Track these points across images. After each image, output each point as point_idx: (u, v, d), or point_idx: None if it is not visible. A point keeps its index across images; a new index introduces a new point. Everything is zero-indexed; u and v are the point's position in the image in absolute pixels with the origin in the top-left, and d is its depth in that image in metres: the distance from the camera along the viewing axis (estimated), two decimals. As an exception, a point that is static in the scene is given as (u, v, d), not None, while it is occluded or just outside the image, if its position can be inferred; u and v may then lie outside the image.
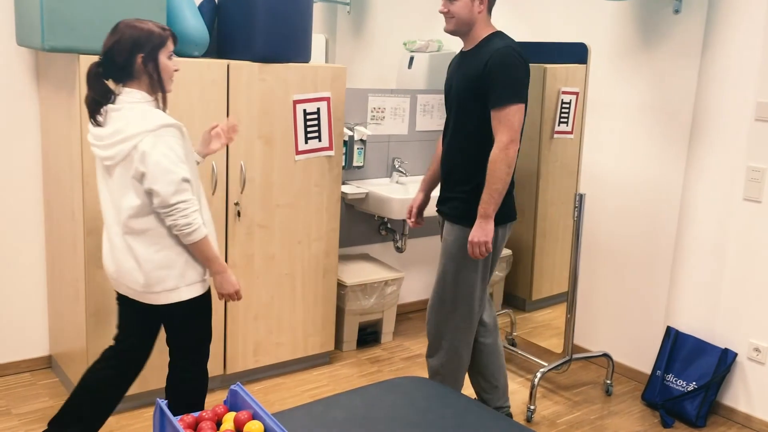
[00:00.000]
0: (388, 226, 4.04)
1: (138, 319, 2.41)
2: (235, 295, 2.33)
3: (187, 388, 2.42)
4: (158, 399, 1.76)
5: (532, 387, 3.16)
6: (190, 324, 2.36)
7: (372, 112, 3.90)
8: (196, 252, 2.22)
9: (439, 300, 2.78)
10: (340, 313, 3.67)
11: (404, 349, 3.81)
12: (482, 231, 2.57)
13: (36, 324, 3.23)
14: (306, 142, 3.19)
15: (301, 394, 3.23)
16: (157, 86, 2.18)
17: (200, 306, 2.34)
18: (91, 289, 2.78)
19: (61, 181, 2.91)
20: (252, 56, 2.98)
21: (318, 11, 3.75)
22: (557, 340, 3.48)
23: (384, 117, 3.95)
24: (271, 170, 3.12)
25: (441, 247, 2.77)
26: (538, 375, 3.19)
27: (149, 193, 2.13)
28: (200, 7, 3.06)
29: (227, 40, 3.10)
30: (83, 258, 2.74)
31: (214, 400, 3.10)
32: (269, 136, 3.08)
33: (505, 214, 2.70)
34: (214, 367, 3.13)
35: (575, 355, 3.40)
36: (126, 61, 2.13)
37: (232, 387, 1.84)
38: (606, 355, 3.46)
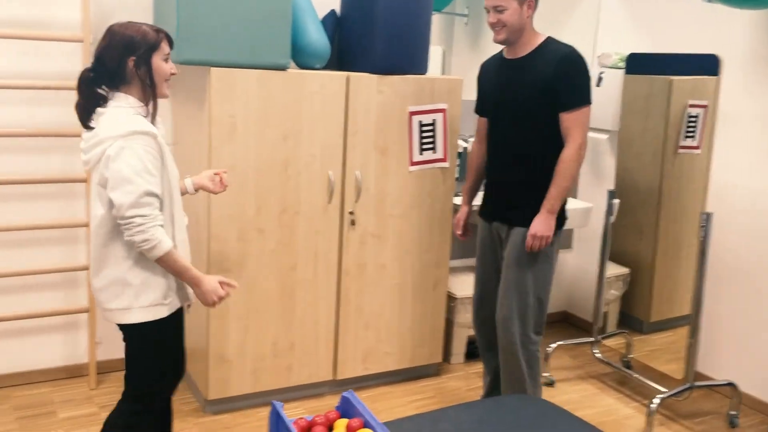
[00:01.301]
0: (500, 239, 3.99)
1: None
2: (219, 302, 2.14)
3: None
4: (273, 401, 1.82)
5: (650, 413, 3.01)
6: (140, 354, 2.15)
7: (487, 123, 3.86)
8: (165, 267, 2.04)
9: (516, 311, 2.77)
10: (448, 325, 3.65)
11: (513, 365, 3.74)
12: (546, 225, 2.65)
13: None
14: (421, 153, 3.21)
15: (407, 404, 3.24)
16: (149, 91, 2.05)
17: (155, 334, 2.12)
18: (213, 291, 2.90)
19: (188, 187, 3.06)
20: (371, 68, 3.03)
21: (435, 23, 3.76)
22: (677, 365, 3.30)
23: (499, 129, 3.90)
24: (385, 180, 3.15)
25: (508, 255, 2.78)
26: (656, 401, 3.04)
27: (111, 202, 2.00)
28: (323, 21, 3.15)
29: (347, 53, 3.17)
30: (206, 262, 2.87)
31: (324, 404, 3.16)
32: (385, 146, 3.12)
33: (562, 219, 2.77)
34: (324, 372, 3.20)
35: (697, 383, 3.22)
36: (117, 65, 2.01)
37: (345, 394, 1.87)
38: (731, 385, 3.25)
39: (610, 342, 3.72)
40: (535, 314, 2.78)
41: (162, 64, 2.06)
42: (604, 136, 3.96)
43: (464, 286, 3.69)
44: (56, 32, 2.98)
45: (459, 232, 3.09)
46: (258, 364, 3.04)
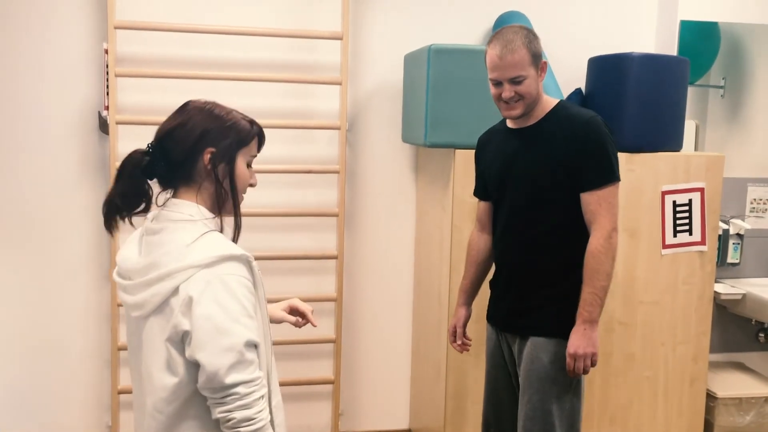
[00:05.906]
0: (769, 333, 3.52)
1: None
2: None
3: None
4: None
5: None
6: None
7: (752, 203, 3.50)
8: None
9: None
10: (708, 427, 3.24)
11: (789, 483, 3.21)
12: (588, 340, 2.10)
13: (399, 397, 3.45)
14: (675, 236, 2.97)
15: None
16: (224, 200, 1.46)
17: None
18: (452, 372, 2.88)
19: (430, 265, 3.11)
20: (620, 146, 2.89)
21: (688, 96, 3.53)
22: None
23: (766, 209, 3.52)
24: (634, 264, 2.95)
25: (525, 371, 2.20)
26: None
27: (194, 365, 1.37)
28: (568, 99, 3.10)
29: (593, 131, 3.07)
30: (445, 341, 2.87)
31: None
32: (634, 228, 2.93)
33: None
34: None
35: None
36: (187, 156, 1.43)
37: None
38: None
39: None
40: None
41: (245, 169, 1.50)
42: None
43: (726, 384, 3.28)
44: (318, 121, 3.24)
45: (457, 342, 2.44)
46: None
